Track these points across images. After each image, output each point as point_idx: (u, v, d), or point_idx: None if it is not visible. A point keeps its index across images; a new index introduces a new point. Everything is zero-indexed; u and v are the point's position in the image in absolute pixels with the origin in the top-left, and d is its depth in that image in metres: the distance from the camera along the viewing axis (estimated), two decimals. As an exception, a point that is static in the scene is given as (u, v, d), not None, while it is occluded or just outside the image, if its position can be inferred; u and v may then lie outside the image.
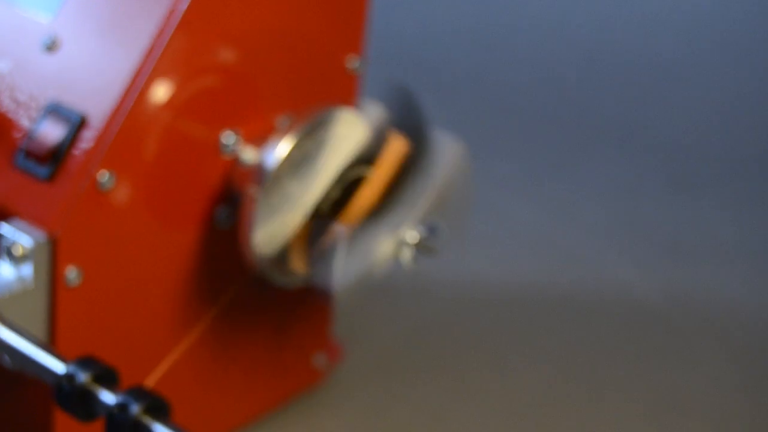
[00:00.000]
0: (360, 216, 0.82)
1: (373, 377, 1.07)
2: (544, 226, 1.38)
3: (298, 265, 0.85)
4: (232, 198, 0.85)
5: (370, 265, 0.82)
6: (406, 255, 0.84)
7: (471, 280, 1.25)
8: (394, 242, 0.83)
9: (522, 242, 1.34)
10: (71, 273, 0.76)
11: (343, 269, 0.80)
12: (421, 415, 1.03)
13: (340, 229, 0.81)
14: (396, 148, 0.83)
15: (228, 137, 0.83)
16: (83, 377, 0.66)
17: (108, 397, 0.66)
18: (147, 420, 0.64)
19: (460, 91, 1.73)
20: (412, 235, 0.84)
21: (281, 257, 0.84)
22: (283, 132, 0.83)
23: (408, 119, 0.85)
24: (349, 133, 0.84)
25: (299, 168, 0.82)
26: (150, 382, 0.86)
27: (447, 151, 0.85)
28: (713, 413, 1.07)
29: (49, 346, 0.73)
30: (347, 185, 0.84)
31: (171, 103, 0.79)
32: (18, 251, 0.75)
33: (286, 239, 0.83)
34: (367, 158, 0.84)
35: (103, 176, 0.76)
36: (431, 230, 0.85)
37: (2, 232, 0.75)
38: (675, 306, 1.24)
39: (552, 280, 1.27)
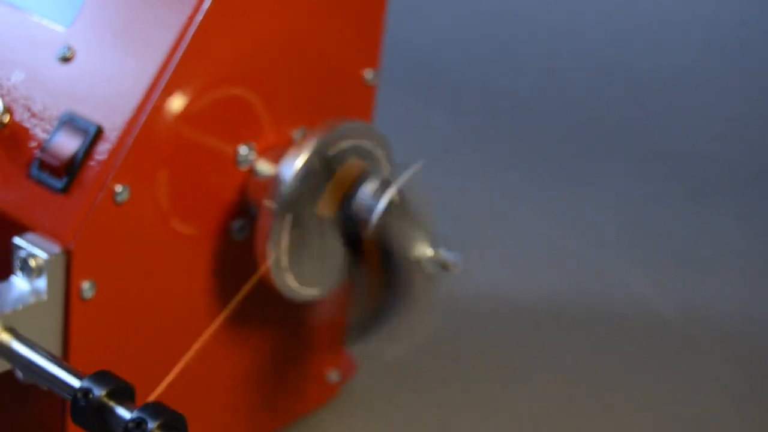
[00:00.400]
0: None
1: (384, 389, 1.06)
2: (555, 236, 1.37)
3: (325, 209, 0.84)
4: (248, 211, 0.85)
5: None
6: (428, 271, 0.83)
7: (482, 291, 1.24)
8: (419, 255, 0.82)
9: (534, 252, 1.34)
10: (86, 286, 0.76)
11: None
12: (432, 427, 1.03)
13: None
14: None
15: (244, 149, 0.83)
16: (99, 392, 0.66)
17: (124, 413, 0.65)
18: (164, 436, 0.64)
19: (471, 100, 1.73)
20: (429, 251, 0.83)
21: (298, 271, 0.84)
22: (300, 145, 0.82)
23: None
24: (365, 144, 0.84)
25: (315, 181, 0.82)
26: (163, 396, 0.85)
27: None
28: (726, 425, 1.07)
29: (64, 361, 0.72)
30: None
31: (187, 115, 0.79)
32: (32, 264, 0.74)
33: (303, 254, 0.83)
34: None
35: (119, 189, 0.76)
36: (449, 248, 0.84)
37: (17, 245, 0.75)
38: (688, 316, 1.23)
39: (564, 290, 1.26)
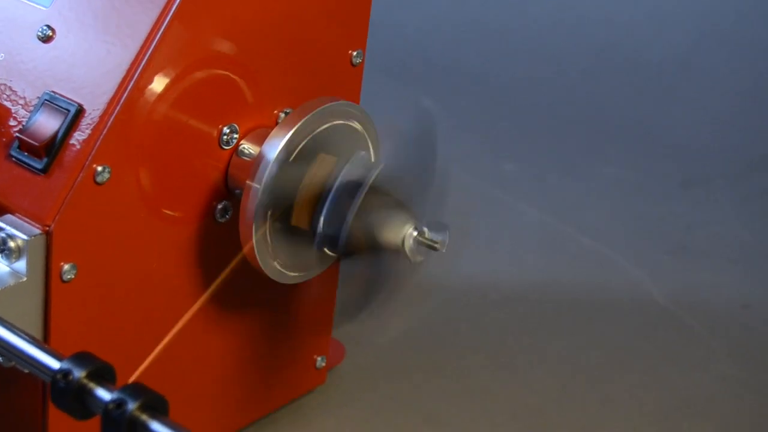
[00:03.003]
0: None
1: (374, 378, 1.06)
2: (551, 226, 1.37)
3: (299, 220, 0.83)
4: (231, 192, 0.84)
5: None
6: (413, 253, 0.82)
7: (476, 279, 1.23)
8: (400, 236, 0.81)
9: (529, 242, 1.33)
10: (66, 267, 0.75)
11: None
12: (424, 417, 1.02)
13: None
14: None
15: (227, 130, 0.82)
16: (79, 374, 0.65)
17: (104, 395, 0.64)
18: (144, 417, 0.62)
19: (466, 90, 1.72)
20: (416, 230, 0.82)
21: (283, 253, 0.83)
22: (284, 124, 0.81)
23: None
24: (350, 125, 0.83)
25: (300, 160, 0.81)
26: (145, 379, 0.84)
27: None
28: (723, 414, 1.07)
29: (44, 343, 0.71)
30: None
31: (168, 96, 0.78)
32: (12, 246, 0.73)
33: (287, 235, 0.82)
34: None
35: (99, 169, 0.75)
36: (436, 228, 0.83)
37: (-4, 226, 0.74)
38: (684, 306, 1.23)
39: (559, 280, 1.26)
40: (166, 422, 0.63)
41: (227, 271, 0.86)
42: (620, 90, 1.76)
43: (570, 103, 1.71)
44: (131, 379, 0.82)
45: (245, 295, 0.89)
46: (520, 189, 1.44)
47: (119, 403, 0.63)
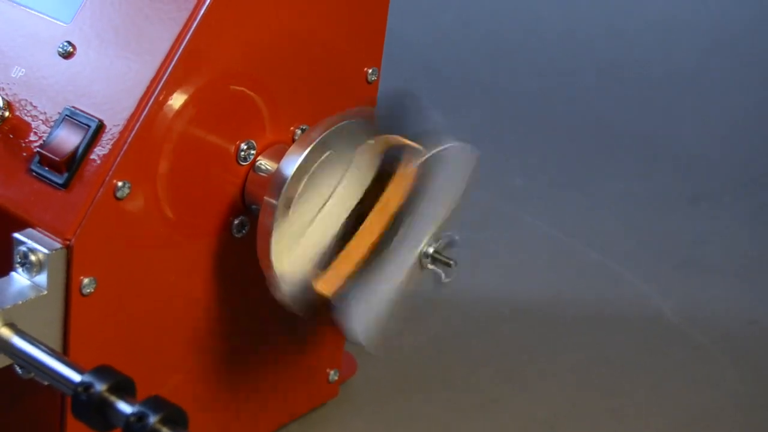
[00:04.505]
0: (368, 242, 0.81)
1: (386, 391, 1.06)
2: (559, 240, 1.37)
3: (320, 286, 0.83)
4: (249, 208, 0.84)
5: (387, 301, 0.81)
6: (427, 269, 0.83)
7: (486, 293, 1.24)
8: (413, 259, 0.82)
9: (538, 256, 1.33)
10: (86, 281, 0.75)
11: (360, 319, 0.80)
12: (435, 430, 1.02)
13: (337, 278, 0.80)
14: (405, 177, 0.82)
15: (245, 146, 0.83)
16: (100, 387, 0.65)
17: (125, 408, 0.65)
18: (165, 430, 0.63)
19: (474, 101, 1.73)
20: (430, 248, 0.83)
21: (299, 270, 0.83)
22: (301, 141, 0.81)
23: (409, 128, 0.83)
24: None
25: (317, 177, 0.81)
26: (163, 393, 0.84)
27: (463, 160, 0.84)
28: (731, 430, 1.07)
29: (65, 356, 0.72)
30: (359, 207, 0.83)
31: (188, 112, 0.78)
32: (33, 259, 0.74)
33: (305, 255, 0.82)
34: (380, 177, 0.83)
35: (120, 184, 0.75)
36: (448, 243, 0.84)
37: (17, 240, 0.74)
38: (692, 321, 1.23)
39: (568, 292, 1.26)
40: (186, 435, 0.63)
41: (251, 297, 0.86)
42: (629, 104, 1.77)
43: (579, 117, 1.71)
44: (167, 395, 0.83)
45: (260, 309, 0.90)
46: (529, 203, 1.45)
47: (140, 416, 0.63)
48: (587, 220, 1.42)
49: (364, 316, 0.80)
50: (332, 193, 0.82)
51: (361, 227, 0.81)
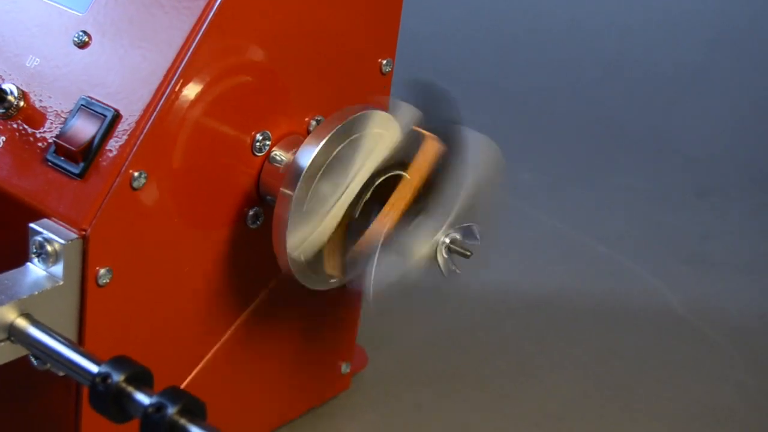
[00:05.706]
0: (395, 219, 0.80)
1: (396, 383, 1.06)
2: (568, 235, 1.37)
3: (330, 267, 0.83)
4: (264, 199, 0.84)
5: (406, 270, 0.81)
6: (442, 258, 0.82)
7: (495, 287, 1.24)
8: (431, 245, 0.82)
9: (546, 251, 1.33)
10: (102, 272, 0.75)
11: (379, 274, 0.79)
12: (445, 423, 1.02)
13: (375, 233, 0.80)
14: (431, 149, 0.82)
15: (260, 137, 0.82)
16: (117, 378, 0.65)
17: (143, 398, 0.64)
18: (183, 421, 0.63)
19: (481, 98, 1.72)
20: (448, 237, 0.82)
21: (314, 259, 0.83)
22: (317, 133, 0.81)
23: (439, 117, 0.83)
24: (382, 133, 0.83)
25: (332, 169, 0.81)
26: (178, 383, 0.84)
27: (482, 150, 0.84)
28: (741, 423, 1.07)
29: (81, 347, 0.72)
30: (379, 187, 0.82)
31: (203, 102, 0.78)
32: (49, 250, 0.74)
33: (319, 241, 0.82)
34: (400, 159, 0.83)
35: (136, 174, 0.75)
36: (466, 233, 0.84)
37: (33, 230, 0.74)
38: (702, 314, 1.23)
39: (577, 288, 1.26)
40: (204, 426, 0.63)
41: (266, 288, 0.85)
42: (635, 99, 1.77)
43: (586, 113, 1.71)
44: (182, 386, 0.83)
45: (273, 301, 0.90)
46: (537, 198, 1.45)
47: (159, 407, 0.63)
48: (595, 214, 1.42)
49: (380, 275, 0.80)
50: (348, 183, 0.82)
51: (388, 201, 0.81)
